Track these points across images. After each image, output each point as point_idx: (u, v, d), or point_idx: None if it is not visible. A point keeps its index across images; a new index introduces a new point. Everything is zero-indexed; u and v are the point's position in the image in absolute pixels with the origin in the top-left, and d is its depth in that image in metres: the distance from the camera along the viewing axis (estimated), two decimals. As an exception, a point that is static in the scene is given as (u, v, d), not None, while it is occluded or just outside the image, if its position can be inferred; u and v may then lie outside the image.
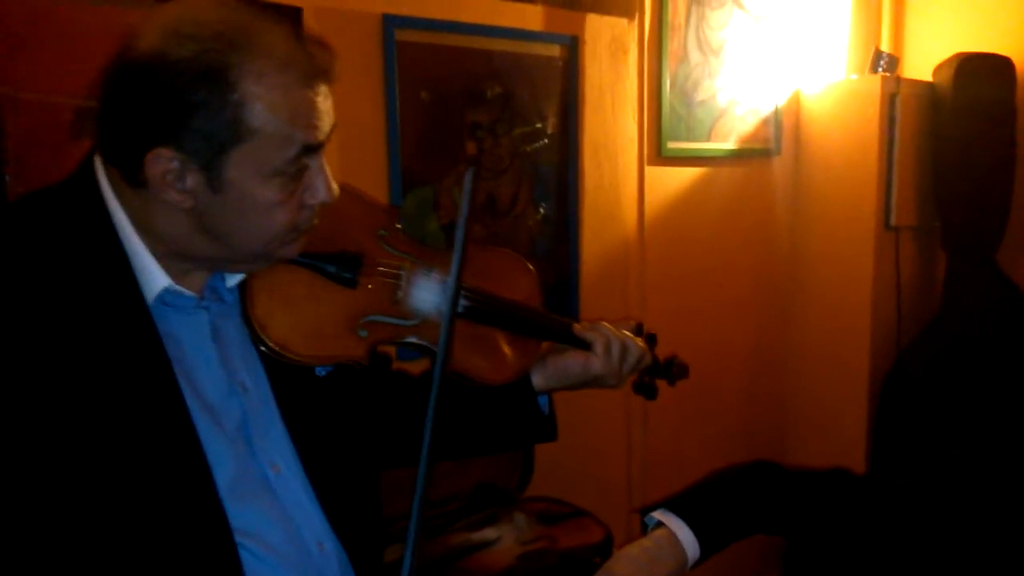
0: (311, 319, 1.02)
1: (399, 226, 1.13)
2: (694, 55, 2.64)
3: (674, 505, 1.16)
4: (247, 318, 0.98)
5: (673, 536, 1.11)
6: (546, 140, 2.34)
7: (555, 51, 2.33)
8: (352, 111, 1.98)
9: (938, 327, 2.94)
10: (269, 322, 0.98)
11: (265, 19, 0.88)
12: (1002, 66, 2.77)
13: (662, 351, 1.39)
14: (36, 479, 0.82)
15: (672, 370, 1.36)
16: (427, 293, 1.10)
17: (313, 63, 0.90)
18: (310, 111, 0.90)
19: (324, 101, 0.92)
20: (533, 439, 1.27)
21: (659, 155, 2.59)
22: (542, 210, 2.36)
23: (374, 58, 2.01)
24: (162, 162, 0.86)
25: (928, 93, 2.86)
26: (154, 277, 0.92)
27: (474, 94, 2.18)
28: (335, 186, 0.96)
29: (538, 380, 1.23)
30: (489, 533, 2.03)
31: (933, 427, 2.84)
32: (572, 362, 1.24)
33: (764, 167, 2.93)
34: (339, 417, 1.09)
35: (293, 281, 1.02)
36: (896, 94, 2.79)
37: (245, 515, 0.93)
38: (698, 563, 1.14)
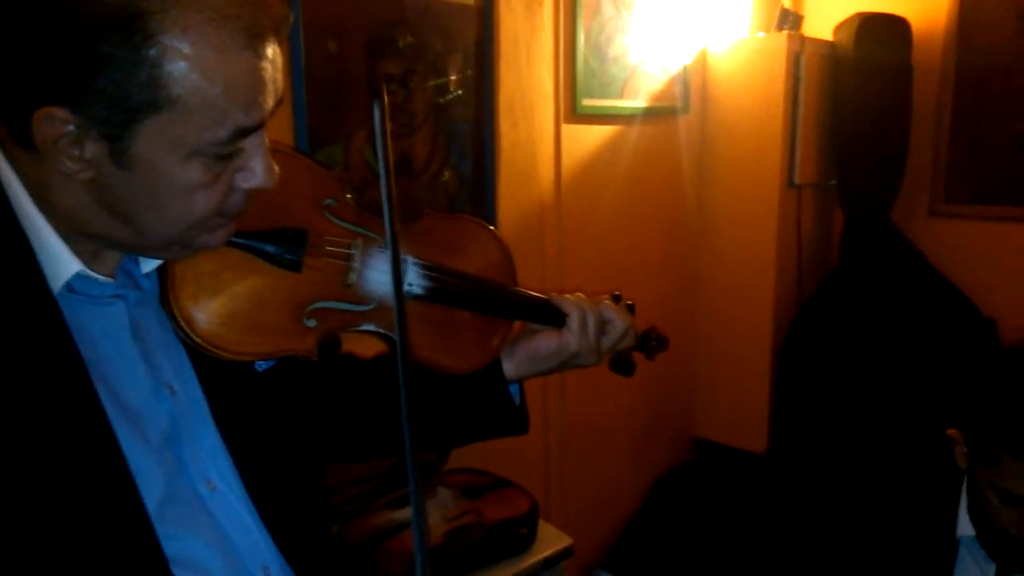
0: (247, 310, 0.85)
1: (349, 195, 0.96)
2: (607, 8, 2.56)
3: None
4: (169, 310, 0.82)
5: None
6: (460, 93, 2.21)
7: (469, -1, 2.19)
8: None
9: (836, 282, 3.04)
10: (196, 315, 0.82)
11: None
12: (899, 26, 2.84)
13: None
14: None
15: (651, 343, 1.25)
16: (383, 273, 0.95)
17: (260, 15, 0.71)
18: (252, 82, 0.72)
19: (271, 68, 0.73)
20: (502, 432, 1.14)
21: (574, 112, 2.50)
22: (458, 170, 2.24)
23: (275, 2, 1.82)
24: (54, 124, 0.68)
25: (829, 52, 2.90)
26: (61, 260, 0.75)
27: (385, 43, 2.03)
28: (276, 168, 0.79)
29: (509, 368, 1.10)
30: (414, 511, 1.94)
31: (833, 378, 2.95)
32: (545, 343, 1.10)
33: (673, 126, 2.90)
34: (281, 416, 0.94)
35: (224, 265, 0.84)
36: (800, 52, 2.81)
37: (179, 540, 0.79)
38: None
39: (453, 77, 2.19)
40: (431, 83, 2.14)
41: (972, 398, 1.21)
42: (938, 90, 2.95)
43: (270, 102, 0.75)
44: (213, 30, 0.68)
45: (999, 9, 2.81)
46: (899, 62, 2.86)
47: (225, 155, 0.74)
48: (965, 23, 2.88)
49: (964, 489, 1.27)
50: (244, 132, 0.74)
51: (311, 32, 1.87)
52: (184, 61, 0.67)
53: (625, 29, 2.63)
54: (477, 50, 2.23)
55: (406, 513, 1.94)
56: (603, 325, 1.13)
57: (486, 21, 2.23)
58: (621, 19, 2.61)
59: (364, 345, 1.08)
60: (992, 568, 1.24)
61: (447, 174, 2.23)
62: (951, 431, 1.27)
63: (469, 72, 2.22)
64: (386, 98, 0.81)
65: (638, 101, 2.73)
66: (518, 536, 1.99)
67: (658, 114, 2.81)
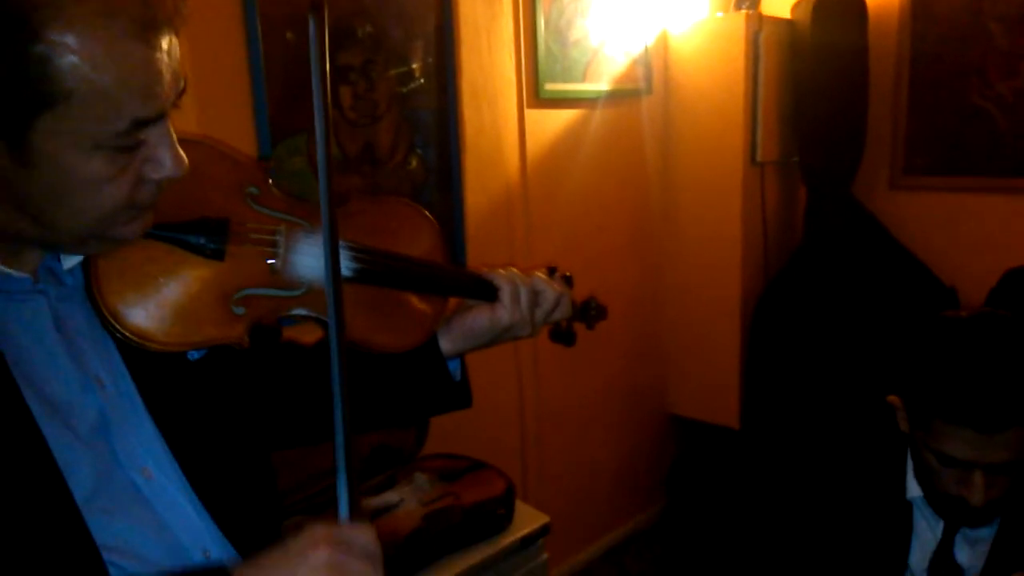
0: (174, 301, 0.85)
1: (271, 181, 0.96)
2: (566, -8, 2.58)
3: None
4: (96, 305, 0.82)
5: None
6: (423, 81, 2.22)
7: (427, -13, 2.20)
8: (209, 56, 1.78)
9: (801, 257, 3.09)
10: (122, 308, 0.82)
11: None
12: (855, 5, 2.88)
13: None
14: None
15: (590, 312, 1.27)
16: (310, 257, 0.94)
17: (150, 7, 0.71)
18: (146, 73, 0.71)
19: (167, 59, 0.73)
20: (446, 407, 1.16)
21: (537, 97, 2.52)
22: (424, 158, 2.25)
23: (232, -6, 1.82)
24: None
25: (788, 30, 2.94)
26: None
27: (344, 33, 2.03)
28: (184, 157, 0.78)
29: (446, 344, 1.12)
30: (391, 496, 1.96)
31: (801, 351, 3.00)
32: (479, 318, 1.12)
33: (636, 107, 2.93)
34: (219, 404, 0.94)
35: (148, 258, 0.84)
36: (759, 32, 2.84)
37: (113, 528, 0.79)
38: None
39: (415, 65, 2.20)
40: (392, 72, 2.15)
41: (906, 365, 1.25)
42: (894, 65, 3.01)
43: (168, 93, 0.75)
44: (100, 23, 0.68)
45: (952, -17, 2.86)
46: (855, 38, 2.91)
47: (128, 147, 0.74)
48: (919, -2, 2.93)
49: (909, 453, 1.31)
50: (143, 123, 0.74)
51: (268, 23, 1.87)
52: (73, 55, 0.67)
53: (585, 12, 2.65)
54: (438, 37, 2.24)
55: (384, 498, 1.96)
56: (535, 296, 1.14)
57: (445, 8, 2.24)
58: (580, 3, 2.63)
59: (304, 331, 1.09)
60: (940, 526, 1.28)
61: (413, 162, 2.24)
62: (891, 397, 1.31)
63: (431, 60, 2.23)
64: (326, 14, 0.79)
65: (601, 84, 2.75)
66: (496, 516, 2.02)
67: (621, 96, 2.84)
